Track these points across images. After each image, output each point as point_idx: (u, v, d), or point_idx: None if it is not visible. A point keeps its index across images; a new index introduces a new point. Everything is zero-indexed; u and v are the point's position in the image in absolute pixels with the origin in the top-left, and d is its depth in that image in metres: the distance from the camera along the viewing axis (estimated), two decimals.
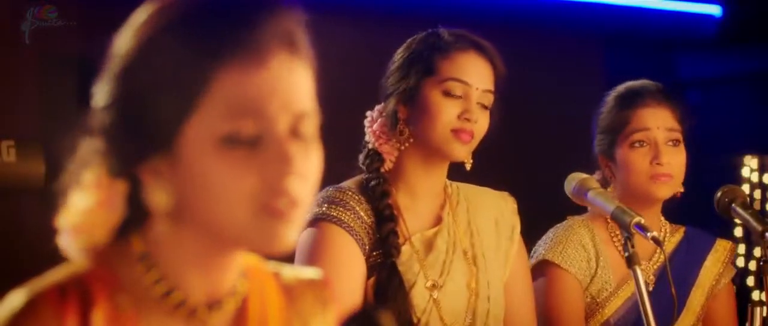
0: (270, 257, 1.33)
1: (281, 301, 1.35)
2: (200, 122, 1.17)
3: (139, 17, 1.22)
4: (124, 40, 1.22)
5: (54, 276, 1.23)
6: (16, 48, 3.82)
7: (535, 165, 4.47)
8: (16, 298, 1.20)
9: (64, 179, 1.25)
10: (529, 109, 4.71)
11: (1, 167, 3.76)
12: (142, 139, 1.19)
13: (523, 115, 4.65)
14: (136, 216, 1.24)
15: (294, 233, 1.20)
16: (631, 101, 2.67)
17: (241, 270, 1.30)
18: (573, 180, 2.35)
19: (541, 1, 4.74)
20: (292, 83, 1.19)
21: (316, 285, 1.40)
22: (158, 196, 1.20)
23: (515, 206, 2.53)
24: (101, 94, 1.23)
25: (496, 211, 2.50)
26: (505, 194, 2.55)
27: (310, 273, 1.41)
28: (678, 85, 5.13)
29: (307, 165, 1.20)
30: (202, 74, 1.16)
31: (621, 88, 2.74)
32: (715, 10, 4.96)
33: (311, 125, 1.21)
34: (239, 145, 1.17)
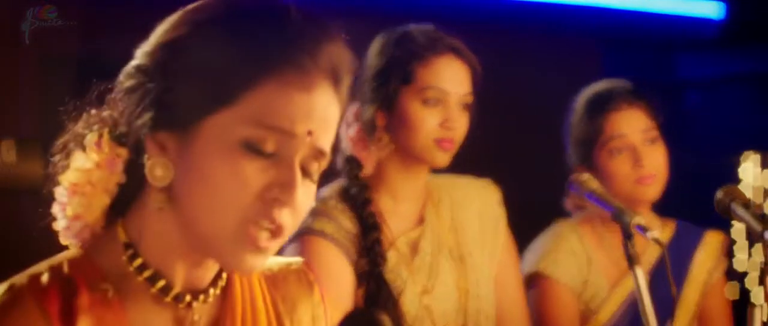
0: None
1: (266, 286, 1.36)
2: (228, 118, 1.18)
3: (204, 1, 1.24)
4: (180, 17, 1.23)
5: (35, 268, 1.24)
6: (16, 48, 3.82)
7: (531, 165, 4.47)
8: None
9: (65, 143, 1.26)
10: (529, 111, 4.71)
11: (0, 167, 3.75)
12: (163, 109, 1.20)
13: (522, 116, 4.65)
14: (127, 194, 1.25)
15: (263, 262, 1.22)
16: (601, 107, 2.65)
17: None
18: (573, 181, 2.34)
19: (541, 3, 4.74)
20: (326, 116, 1.21)
21: (300, 269, 1.41)
22: (157, 170, 1.21)
23: (499, 196, 2.51)
24: (141, 55, 1.23)
25: (479, 203, 2.49)
26: (488, 183, 2.53)
27: (292, 258, 1.42)
28: (678, 86, 5.13)
29: (304, 201, 1.22)
30: (250, 75, 1.17)
31: (588, 93, 2.72)
32: (715, 10, 4.96)
33: (322, 166, 1.23)
34: (255, 154, 1.17)
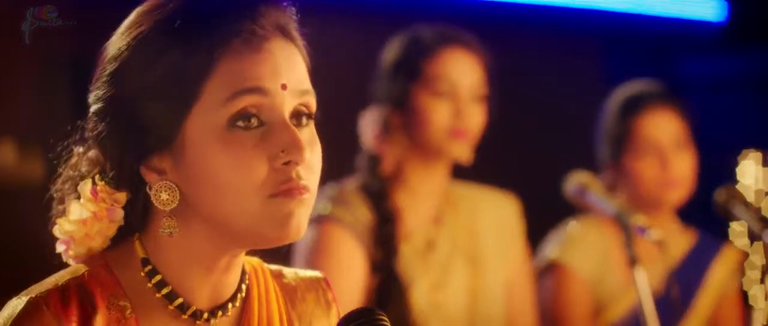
0: (274, 252, 1.32)
1: (283, 303, 1.34)
2: (204, 111, 1.17)
3: (129, 19, 1.23)
4: (115, 43, 1.22)
5: (55, 279, 1.22)
6: (16, 48, 3.82)
7: (534, 167, 4.47)
8: (18, 302, 1.20)
9: (60, 188, 1.25)
10: (530, 112, 4.71)
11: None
12: (142, 138, 1.19)
13: (523, 117, 4.65)
14: (138, 221, 1.23)
15: (305, 217, 1.20)
16: (633, 109, 2.66)
17: (242, 271, 1.29)
18: (573, 181, 2.34)
19: (542, 5, 4.74)
20: (291, 66, 1.21)
21: (319, 286, 1.39)
22: (163, 194, 1.20)
23: (519, 209, 2.53)
24: (96, 99, 1.22)
25: (498, 213, 2.50)
26: (509, 196, 2.54)
27: (312, 273, 1.40)
28: (678, 87, 5.13)
29: (314, 153, 1.21)
30: (203, 63, 1.17)
31: (622, 93, 2.73)
32: (716, 12, 4.96)
33: (312, 109, 1.22)
34: (246, 129, 1.17)
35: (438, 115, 2.33)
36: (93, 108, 1.23)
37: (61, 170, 1.29)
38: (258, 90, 1.18)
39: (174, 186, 1.20)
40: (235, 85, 1.17)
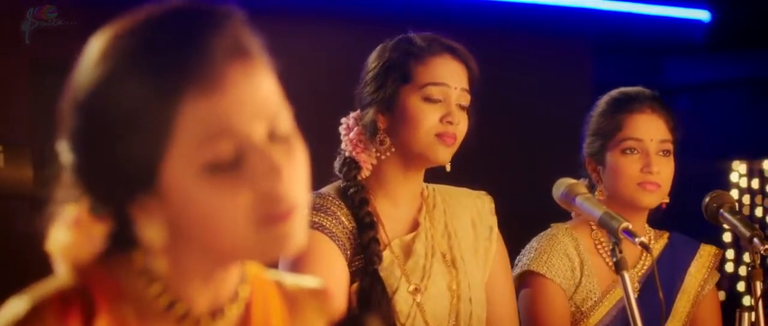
0: (270, 265, 1.33)
1: (284, 310, 1.35)
2: (177, 157, 1.15)
3: (88, 60, 1.19)
4: (78, 90, 1.19)
5: (57, 282, 1.21)
6: (7, 52, 3.82)
7: (522, 169, 4.49)
8: (19, 305, 1.18)
9: (49, 207, 1.24)
10: (519, 114, 4.73)
11: None
12: (121, 182, 1.17)
13: (512, 119, 4.67)
14: (131, 240, 1.23)
15: (301, 233, 1.20)
16: (625, 107, 2.67)
17: (241, 275, 1.30)
18: (561, 186, 2.35)
19: (531, 7, 4.76)
20: (254, 91, 1.17)
21: (318, 295, 1.39)
22: (150, 232, 1.19)
23: (492, 205, 2.53)
24: (67, 144, 1.20)
25: (473, 212, 2.50)
26: (482, 194, 2.55)
27: (311, 282, 1.40)
28: (667, 90, 5.16)
29: (294, 165, 1.19)
30: (166, 111, 1.14)
31: (615, 92, 2.74)
32: (703, 15, 4.98)
33: (286, 123, 1.20)
34: (222, 170, 1.15)
35: (428, 118, 2.33)
36: (65, 153, 1.20)
37: (54, 190, 1.27)
38: (226, 133, 1.14)
39: (161, 224, 1.18)
40: (202, 133, 1.14)
